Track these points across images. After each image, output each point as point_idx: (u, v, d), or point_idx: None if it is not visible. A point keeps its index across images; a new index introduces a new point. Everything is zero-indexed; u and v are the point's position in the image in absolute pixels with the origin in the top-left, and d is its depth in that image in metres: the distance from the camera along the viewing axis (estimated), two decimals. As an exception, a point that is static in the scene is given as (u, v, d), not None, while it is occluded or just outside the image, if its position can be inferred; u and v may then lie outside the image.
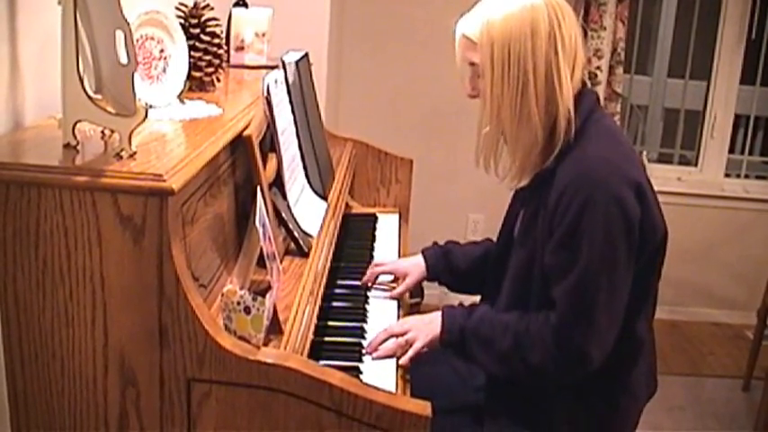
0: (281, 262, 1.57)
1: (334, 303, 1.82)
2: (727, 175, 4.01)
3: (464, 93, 1.61)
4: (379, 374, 1.53)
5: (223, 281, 1.43)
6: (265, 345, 1.27)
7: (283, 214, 1.65)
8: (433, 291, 2.04)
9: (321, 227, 1.80)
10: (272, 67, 1.94)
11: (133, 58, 1.20)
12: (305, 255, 1.67)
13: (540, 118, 1.51)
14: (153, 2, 1.59)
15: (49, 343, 1.23)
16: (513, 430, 1.62)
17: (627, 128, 4.22)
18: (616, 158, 1.50)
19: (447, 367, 1.83)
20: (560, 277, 1.48)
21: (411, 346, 1.59)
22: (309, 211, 1.80)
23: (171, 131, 1.45)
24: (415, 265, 1.91)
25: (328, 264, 1.75)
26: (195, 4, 1.86)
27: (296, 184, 1.78)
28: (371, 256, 2.12)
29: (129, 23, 1.20)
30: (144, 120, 1.22)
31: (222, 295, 1.27)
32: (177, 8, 1.83)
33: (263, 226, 1.35)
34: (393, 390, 1.48)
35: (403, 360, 1.58)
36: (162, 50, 1.64)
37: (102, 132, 1.32)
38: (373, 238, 2.26)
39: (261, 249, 1.40)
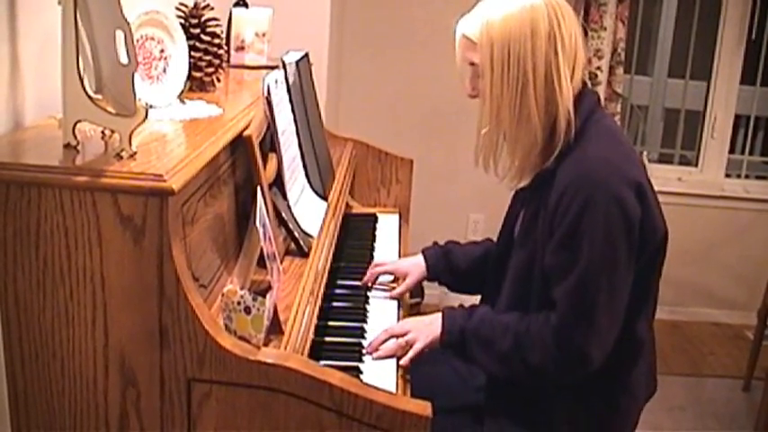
0: (281, 262, 1.57)
1: (335, 303, 1.82)
2: (727, 176, 4.01)
3: (464, 93, 1.61)
4: (380, 374, 1.53)
5: (223, 281, 1.43)
6: (266, 345, 1.27)
7: (283, 214, 1.65)
8: (433, 291, 2.04)
9: (321, 227, 1.80)
10: (273, 68, 1.94)
11: (133, 58, 1.20)
12: (305, 255, 1.67)
13: (540, 118, 1.51)
14: (153, 2, 1.59)
15: (49, 343, 1.23)
16: (514, 430, 1.62)
17: (627, 128, 4.22)
18: (616, 159, 1.50)
19: (447, 367, 1.83)
20: (561, 278, 1.48)
21: (411, 346, 1.59)
22: (309, 212, 1.80)
23: (171, 132, 1.45)
24: (416, 265, 1.91)
25: (328, 264, 1.75)
26: (195, 5, 1.86)
27: (296, 184, 1.78)
28: (372, 257, 2.12)
29: (129, 23, 1.20)
30: (144, 120, 1.22)
31: (222, 295, 1.27)
32: (177, 8, 1.83)
33: (264, 226, 1.35)
34: (393, 390, 1.48)
35: (403, 361, 1.58)
36: (162, 50, 1.64)
37: (103, 132, 1.32)
38: (373, 239, 2.26)
39: (261, 249, 1.40)
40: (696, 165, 4.01)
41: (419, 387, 1.55)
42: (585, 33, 3.49)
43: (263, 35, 2.31)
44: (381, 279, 1.94)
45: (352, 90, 3.68)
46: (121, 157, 1.21)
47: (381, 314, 1.80)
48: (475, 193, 3.69)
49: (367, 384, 1.26)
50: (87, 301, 1.20)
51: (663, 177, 3.87)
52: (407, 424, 1.21)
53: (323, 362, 1.51)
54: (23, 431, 1.28)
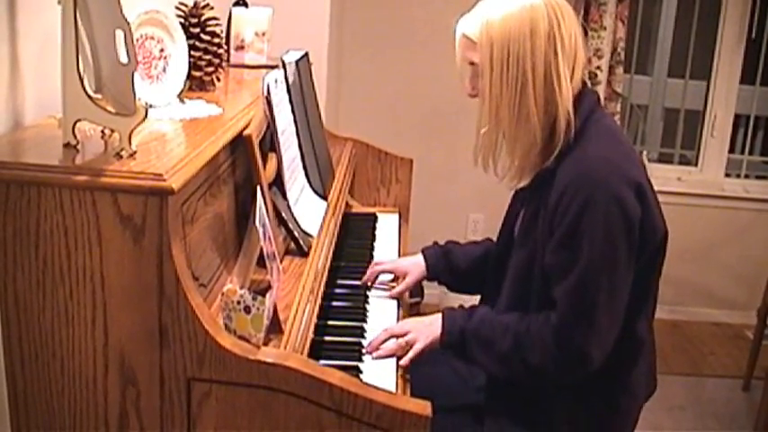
0: (280, 261, 1.57)
1: (334, 303, 1.82)
2: (727, 175, 4.00)
3: (464, 92, 1.61)
4: (379, 374, 1.53)
5: (223, 280, 1.43)
6: (265, 344, 1.27)
7: (283, 214, 1.65)
8: (433, 290, 2.05)
9: (321, 226, 1.80)
10: (272, 67, 1.94)
11: (133, 57, 1.20)
12: (305, 254, 1.67)
13: (539, 118, 1.51)
14: (153, 1, 1.59)
15: (49, 343, 1.23)
16: (514, 430, 1.62)
17: (627, 128, 4.22)
18: (616, 158, 1.50)
19: (447, 367, 1.83)
20: (561, 277, 1.48)
21: (411, 347, 1.59)
22: (309, 211, 1.80)
23: (171, 131, 1.45)
24: (415, 265, 1.91)
25: (328, 263, 1.75)
26: (195, 4, 1.86)
27: (296, 183, 1.78)
28: (371, 256, 2.12)
29: (129, 23, 1.20)
30: (144, 119, 1.22)
31: (222, 295, 1.27)
32: (177, 8, 1.83)
33: (263, 225, 1.35)
34: (393, 389, 1.48)
35: (403, 361, 1.58)
36: (162, 50, 1.64)
37: (102, 132, 1.32)
38: (373, 238, 2.26)
39: (261, 249, 1.40)
40: (696, 164, 4.01)
41: (419, 387, 1.55)
42: (585, 33, 3.49)
43: (263, 35, 2.31)
44: (381, 278, 1.94)
45: (352, 90, 3.68)
46: (121, 157, 1.21)
47: (381, 314, 1.80)
48: (474, 192, 3.69)
49: (367, 384, 1.26)
50: (87, 301, 1.20)
51: (663, 177, 3.87)
52: (407, 423, 1.21)
53: (322, 361, 1.51)
54: (23, 431, 1.28)
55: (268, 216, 1.44)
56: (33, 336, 1.23)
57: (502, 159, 1.61)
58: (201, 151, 1.32)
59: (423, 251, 1.93)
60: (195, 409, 1.23)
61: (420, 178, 2.72)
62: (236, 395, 1.22)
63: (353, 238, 2.23)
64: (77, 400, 1.26)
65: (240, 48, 2.29)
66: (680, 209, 3.65)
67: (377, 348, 1.60)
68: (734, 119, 3.92)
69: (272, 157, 1.71)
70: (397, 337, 1.61)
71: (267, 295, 1.26)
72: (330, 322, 1.72)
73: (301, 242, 1.67)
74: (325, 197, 1.94)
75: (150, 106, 1.51)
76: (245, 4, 2.45)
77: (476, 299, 1.82)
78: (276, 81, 1.73)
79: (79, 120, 1.25)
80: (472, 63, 1.55)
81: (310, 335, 1.45)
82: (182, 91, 1.67)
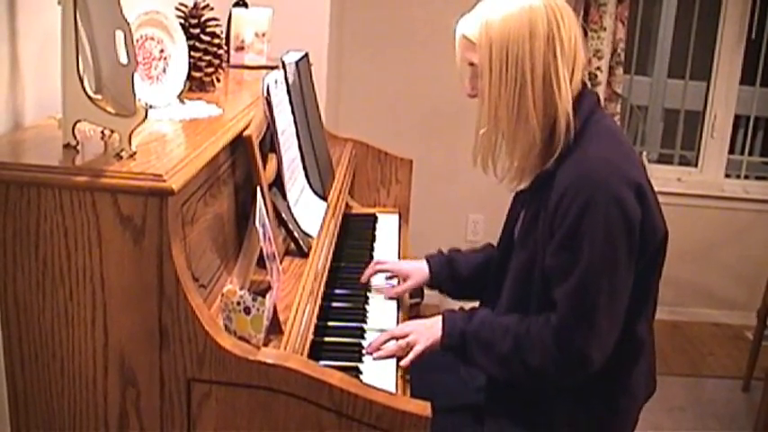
0: (280, 262, 1.57)
1: (334, 303, 1.82)
2: (727, 176, 4.01)
3: (464, 93, 1.61)
4: (379, 375, 1.53)
5: (223, 281, 1.43)
6: (265, 345, 1.27)
7: (283, 214, 1.65)
8: (433, 292, 2.04)
9: (321, 227, 1.80)
10: (272, 68, 1.94)
11: (133, 58, 1.20)
12: (305, 255, 1.67)
13: (539, 120, 1.51)
14: (153, 2, 1.59)
15: (49, 343, 1.23)
16: (514, 431, 1.62)
17: (627, 128, 4.22)
18: (616, 159, 1.50)
19: (447, 368, 1.83)
20: (561, 279, 1.48)
21: (412, 348, 1.59)
22: (309, 212, 1.80)
23: (171, 132, 1.45)
24: (418, 269, 1.90)
25: (328, 264, 1.75)
26: (195, 5, 1.86)
27: (296, 184, 1.78)
28: (371, 257, 2.12)
29: (129, 23, 1.20)
30: (144, 120, 1.22)
31: (222, 295, 1.27)
32: (177, 8, 1.83)
33: (263, 226, 1.35)
34: (393, 390, 1.48)
35: (403, 362, 1.58)
36: (162, 51, 1.64)
37: (102, 132, 1.32)
38: (373, 239, 2.26)
39: (261, 249, 1.40)
40: (696, 165, 4.01)
41: (419, 387, 1.55)
42: (585, 34, 3.49)
43: (263, 35, 2.31)
44: (382, 280, 1.93)
45: (352, 90, 3.68)
46: (121, 157, 1.21)
47: (381, 314, 1.80)
48: (474, 193, 3.69)
49: (367, 385, 1.26)
50: (87, 302, 1.20)
51: (663, 178, 3.87)
52: (407, 424, 1.21)
53: (322, 362, 1.51)
54: (23, 431, 1.28)
55: (268, 217, 1.44)
56: (33, 336, 1.23)
57: (501, 160, 1.61)
58: (201, 152, 1.32)
59: (427, 258, 1.92)
60: (195, 409, 1.23)
61: (420, 179, 2.72)
62: (236, 396, 1.22)
63: (353, 238, 2.23)
64: (77, 401, 1.26)
65: (240, 48, 2.29)
66: (680, 209, 3.65)
67: (377, 349, 1.61)
68: (734, 119, 3.92)
69: (272, 158, 1.71)
70: (398, 338, 1.61)
71: (267, 296, 1.26)
72: (330, 323, 1.72)
73: (301, 243, 1.67)
74: (325, 198, 1.94)
75: (150, 107, 1.51)
76: (245, 5, 2.45)
77: (476, 302, 1.82)
78: (276, 82, 1.73)
79: (79, 120, 1.25)
80: (472, 64, 1.55)
81: (310, 336, 1.45)
82: (182, 92, 1.67)
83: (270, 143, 1.71)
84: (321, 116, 2.27)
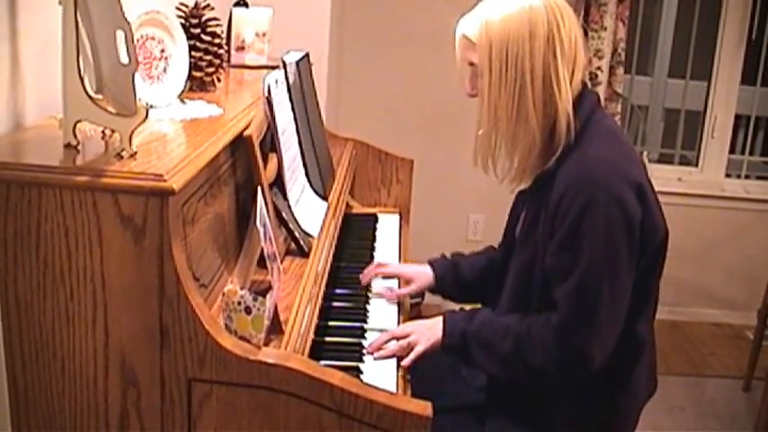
0: (281, 262, 1.57)
1: (335, 303, 1.82)
2: (727, 176, 4.01)
3: (464, 93, 1.61)
4: (380, 374, 1.53)
5: (224, 281, 1.43)
6: (266, 345, 1.27)
7: (284, 214, 1.65)
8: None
9: (321, 227, 1.80)
10: (273, 67, 1.94)
11: (134, 58, 1.20)
12: (305, 255, 1.67)
13: (538, 120, 1.51)
14: (153, 2, 1.59)
15: (49, 343, 1.23)
16: (515, 431, 1.62)
17: (627, 128, 4.22)
18: (617, 159, 1.50)
19: (448, 368, 1.83)
20: (562, 279, 1.48)
21: (413, 349, 1.59)
22: (310, 212, 1.80)
23: (171, 131, 1.45)
24: (422, 273, 1.89)
25: (329, 264, 1.75)
26: (196, 4, 1.86)
27: (296, 184, 1.78)
28: (372, 257, 2.12)
29: (129, 23, 1.20)
30: (144, 120, 1.22)
31: (223, 295, 1.27)
32: (178, 8, 1.83)
33: (264, 226, 1.35)
34: (394, 390, 1.48)
35: (404, 362, 1.58)
36: (162, 50, 1.64)
37: (103, 132, 1.32)
38: (374, 239, 2.26)
39: (261, 249, 1.40)
40: (696, 165, 4.01)
41: (420, 387, 1.55)
42: (586, 34, 3.49)
43: (264, 35, 2.31)
44: (381, 282, 1.93)
45: (353, 90, 3.68)
46: (122, 157, 1.21)
47: (382, 314, 1.80)
48: (475, 193, 3.69)
49: (367, 384, 1.26)
50: (88, 301, 1.20)
51: (663, 177, 3.87)
52: (408, 424, 1.21)
53: (323, 362, 1.51)
54: (24, 431, 1.28)
55: (269, 216, 1.44)
56: (34, 336, 1.23)
57: (501, 160, 1.61)
58: (202, 152, 1.32)
59: (430, 262, 1.91)
60: (196, 409, 1.23)
61: (421, 179, 2.72)
62: (236, 396, 1.22)
63: (354, 238, 2.23)
64: (78, 401, 1.26)
65: (241, 48, 2.29)
66: (680, 209, 3.65)
67: (378, 349, 1.61)
68: (734, 119, 3.92)
69: (273, 158, 1.71)
70: (399, 338, 1.61)
71: (268, 296, 1.26)
72: (331, 323, 1.72)
73: (302, 243, 1.67)
74: (325, 197, 1.94)
75: (151, 107, 1.51)
76: (246, 5, 2.45)
77: (478, 305, 1.81)
78: (277, 81, 1.73)
79: (80, 120, 1.25)
80: (472, 63, 1.55)
81: (311, 335, 1.45)
82: (182, 91, 1.67)
83: (270, 143, 1.71)
84: (322, 116, 2.27)
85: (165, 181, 1.15)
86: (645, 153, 4.11)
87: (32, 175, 1.16)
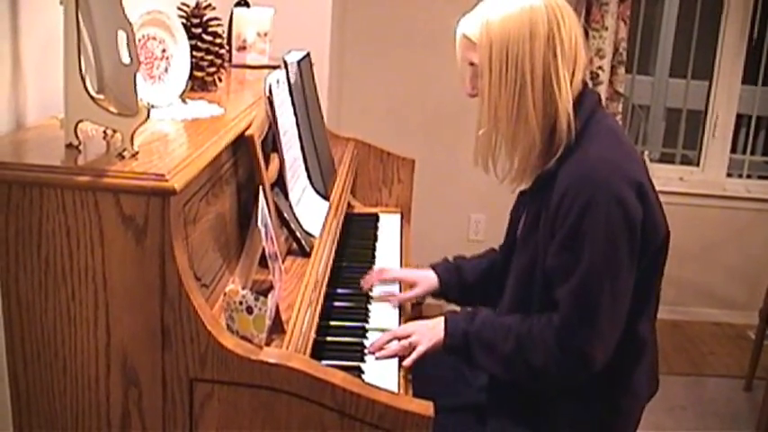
0: (283, 262, 1.57)
1: (336, 303, 1.82)
2: (728, 175, 4.01)
3: (464, 92, 1.61)
4: (382, 374, 1.53)
5: (225, 281, 1.43)
6: (268, 345, 1.27)
7: (285, 214, 1.65)
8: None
9: (323, 227, 1.80)
10: (274, 67, 1.94)
11: (135, 57, 1.20)
12: (307, 255, 1.67)
13: (538, 121, 1.50)
14: (155, 2, 1.59)
15: (51, 343, 1.23)
16: (516, 430, 1.62)
17: (628, 128, 4.22)
18: (617, 158, 1.50)
19: (449, 368, 1.83)
20: (563, 279, 1.48)
21: (414, 349, 1.59)
22: (311, 211, 1.80)
23: (173, 131, 1.45)
24: (425, 278, 1.89)
25: (330, 263, 1.75)
26: (197, 4, 1.86)
27: (298, 183, 1.78)
28: (373, 256, 2.12)
29: (131, 23, 1.20)
30: (146, 120, 1.22)
31: (224, 295, 1.27)
32: (179, 8, 1.83)
33: (265, 226, 1.35)
34: (395, 390, 1.48)
35: (406, 362, 1.58)
36: (164, 50, 1.64)
37: (105, 132, 1.32)
38: (375, 238, 2.26)
39: (263, 249, 1.40)
40: (698, 164, 4.01)
41: (421, 387, 1.55)
42: (586, 34, 3.49)
43: (265, 35, 2.31)
44: (384, 287, 1.92)
45: (354, 90, 3.68)
46: (123, 157, 1.21)
47: (383, 314, 1.80)
48: (476, 193, 3.69)
49: (369, 384, 1.26)
50: (89, 301, 1.20)
51: (664, 177, 3.87)
52: (409, 424, 1.21)
53: (325, 362, 1.51)
54: (26, 431, 1.28)
55: (270, 216, 1.45)
56: (36, 336, 1.23)
57: (501, 161, 1.61)
58: (204, 152, 1.32)
59: (432, 267, 1.91)
60: (197, 409, 1.23)
61: (422, 178, 2.72)
62: (238, 396, 1.22)
63: (355, 238, 2.23)
64: (80, 401, 1.26)
65: (242, 48, 2.29)
66: (682, 209, 3.65)
67: (380, 349, 1.61)
68: (736, 119, 3.92)
69: (275, 158, 1.71)
70: (400, 338, 1.61)
71: (269, 295, 1.26)
72: (332, 322, 1.72)
73: (303, 242, 1.67)
74: (327, 197, 1.94)
75: (152, 107, 1.51)
76: (247, 5, 2.45)
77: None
78: (278, 81, 1.73)
79: (81, 120, 1.25)
80: (472, 63, 1.55)
81: (312, 335, 1.45)
82: (184, 91, 1.68)
83: (272, 143, 1.71)
84: (323, 116, 2.27)
85: (166, 181, 1.15)
86: (646, 152, 4.11)
87: (34, 175, 1.16)
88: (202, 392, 1.22)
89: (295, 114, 1.84)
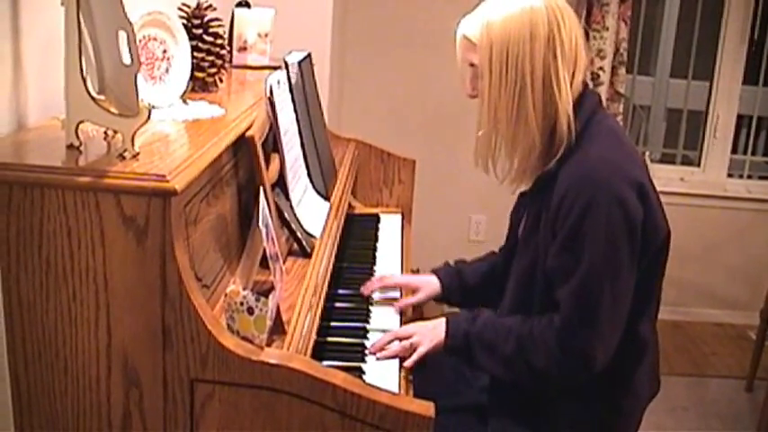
0: (283, 262, 1.57)
1: (337, 304, 1.82)
2: (729, 176, 4.01)
3: (464, 93, 1.61)
4: (383, 375, 1.53)
5: (226, 281, 1.43)
6: (268, 345, 1.27)
7: (286, 215, 1.65)
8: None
9: (324, 227, 1.80)
10: (275, 68, 1.94)
11: (136, 58, 1.20)
12: (308, 255, 1.67)
13: (538, 122, 1.50)
14: (156, 2, 1.59)
15: (52, 343, 1.23)
16: (517, 431, 1.62)
17: (629, 128, 4.21)
18: (618, 159, 1.50)
19: (450, 369, 1.83)
20: (563, 280, 1.48)
21: (415, 350, 1.59)
22: (312, 212, 1.80)
23: (174, 132, 1.46)
24: (428, 283, 1.88)
25: (331, 264, 1.75)
26: (198, 5, 1.87)
27: (299, 184, 1.78)
28: (374, 257, 2.12)
29: (131, 24, 1.20)
30: (147, 120, 1.22)
31: (225, 296, 1.27)
32: (180, 9, 1.83)
33: (266, 226, 1.35)
34: (396, 390, 1.48)
35: (407, 363, 1.58)
36: (165, 51, 1.64)
37: (106, 133, 1.32)
38: (376, 239, 2.26)
39: (264, 250, 1.40)
40: (698, 165, 4.01)
41: (422, 387, 1.55)
42: (587, 35, 3.49)
43: (266, 35, 2.32)
44: (384, 293, 1.91)
45: (355, 90, 3.68)
46: (124, 158, 1.21)
47: (384, 315, 1.80)
48: (477, 193, 3.69)
49: (370, 385, 1.26)
50: (90, 302, 1.20)
51: (665, 177, 3.87)
52: (410, 424, 1.21)
53: (326, 362, 1.51)
54: (27, 431, 1.28)
55: (271, 217, 1.45)
56: (37, 336, 1.23)
57: (501, 161, 1.61)
58: (204, 152, 1.32)
59: (435, 271, 1.90)
60: (198, 410, 1.23)
61: (423, 179, 2.72)
62: (239, 396, 1.22)
63: (356, 238, 2.23)
64: (80, 401, 1.26)
65: (243, 49, 2.29)
66: (682, 209, 3.65)
67: (381, 349, 1.61)
68: (736, 119, 3.92)
69: (275, 158, 1.71)
70: (401, 339, 1.61)
71: (270, 296, 1.26)
72: (333, 323, 1.72)
73: (304, 243, 1.68)
74: (327, 198, 1.94)
75: (153, 107, 1.51)
76: (248, 5, 2.45)
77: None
78: (279, 82, 1.73)
79: (82, 121, 1.25)
80: (472, 64, 1.55)
81: (313, 336, 1.45)
82: (184, 92, 1.68)
83: (273, 143, 1.71)
84: (324, 116, 2.27)
85: (167, 181, 1.15)
86: (647, 153, 4.11)
87: (35, 175, 1.16)
88: (203, 393, 1.23)
89: (296, 115, 1.84)
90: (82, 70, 1.21)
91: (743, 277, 3.94)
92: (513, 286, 1.64)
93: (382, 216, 2.44)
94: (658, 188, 1.55)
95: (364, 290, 1.86)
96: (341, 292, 1.88)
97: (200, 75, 1.80)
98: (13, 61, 1.31)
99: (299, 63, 1.99)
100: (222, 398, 1.22)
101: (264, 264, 1.45)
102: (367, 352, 1.61)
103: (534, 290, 1.57)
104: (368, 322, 1.75)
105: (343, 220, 1.99)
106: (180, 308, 1.19)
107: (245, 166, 1.62)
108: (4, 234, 1.18)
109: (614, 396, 1.59)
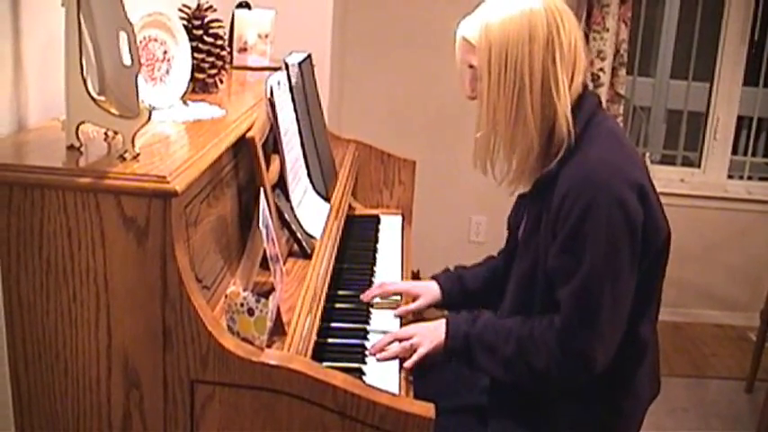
0: (284, 263, 1.57)
1: (338, 305, 1.82)
2: (729, 177, 4.01)
3: (464, 95, 1.61)
4: (383, 376, 1.53)
5: (226, 282, 1.43)
6: (269, 346, 1.27)
7: (286, 216, 1.65)
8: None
9: (324, 228, 1.80)
10: (275, 69, 1.94)
11: (136, 59, 1.20)
12: (308, 256, 1.67)
13: (536, 124, 1.50)
14: (156, 3, 1.59)
15: (52, 344, 1.23)
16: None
17: (629, 129, 4.21)
18: (618, 160, 1.50)
19: (450, 370, 1.83)
20: (564, 281, 1.48)
21: (415, 351, 1.59)
22: (312, 213, 1.80)
23: (174, 133, 1.46)
24: (428, 289, 1.87)
25: (331, 265, 1.75)
26: (198, 6, 1.87)
27: (299, 185, 1.78)
28: (375, 258, 2.12)
29: (132, 25, 1.20)
30: (147, 121, 1.22)
31: (226, 297, 1.27)
32: (180, 10, 1.83)
33: (267, 227, 1.35)
34: (396, 391, 1.48)
35: (407, 364, 1.58)
36: (165, 52, 1.64)
37: (106, 134, 1.32)
38: (376, 240, 2.26)
39: (264, 251, 1.40)
40: (699, 166, 4.01)
41: (422, 388, 1.55)
42: (586, 37, 3.49)
43: (266, 36, 2.32)
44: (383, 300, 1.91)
45: (355, 91, 3.68)
46: (125, 159, 1.21)
47: (384, 316, 1.80)
48: (477, 194, 3.69)
49: (370, 386, 1.26)
50: (90, 302, 1.20)
51: (665, 179, 3.87)
52: (411, 425, 1.21)
53: (326, 363, 1.51)
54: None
55: (271, 218, 1.45)
56: (37, 337, 1.23)
57: (500, 163, 1.61)
58: (205, 153, 1.32)
59: (435, 278, 1.89)
60: (198, 411, 1.23)
61: (423, 180, 2.72)
62: (239, 397, 1.22)
63: (356, 239, 2.23)
64: (81, 402, 1.26)
65: (243, 50, 2.29)
66: (683, 210, 3.65)
67: (381, 350, 1.60)
68: (737, 120, 3.92)
69: (275, 159, 1.71)
70: (402, 340, 1.61)
71: (270, 297, 1.26)
72: (333, 324, 1.72)
73: (304, 244, 1.68)
74: (327, 199, 1.94)
75: (153, 108, 1.51)
76: (248, 6, 2.45)
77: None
78: (279, 83, 1.73)
79: (82, 122, 1.25)
80: (471, 66, 1.55)
81: (313, 337, 1.45)
82: (185, 93, 1.68)
83: (273, 144, 1.71)
84: (324, 117, 2.27)
85: (167, 183, 1.15)
86: (647, 154, 4.11)
87: (35, 176, 1.16)
88: (203, 394, 1.23)
89: (296, 116, 1.84)
90: (82, 71, 1.21)
91: (743, 278, 3.94)
92: (513, 288, 1.64)
93: (382, 217, 2.44)
94: (658, 189, 1.55)
95: (364, 297, 1.84)
96: (341, 293, 1.88)
97: (200, 76, 1.80)
98: (13, 62, 1.31)
99: (300, 64, 1.99)
100: (222, 399, 1.22)
101: (265, 265, 1.45)
102: (367, 353, 1.61)
103: (535, 292, 1.57)
104: (368, 323, 1.75)
105: (343, 221, 1.99)
106: (180, 309, 1.19)
107: (245, 167, 1.62)
108: (4, 234, 1.18)
109: (615, 397, 1.59)
